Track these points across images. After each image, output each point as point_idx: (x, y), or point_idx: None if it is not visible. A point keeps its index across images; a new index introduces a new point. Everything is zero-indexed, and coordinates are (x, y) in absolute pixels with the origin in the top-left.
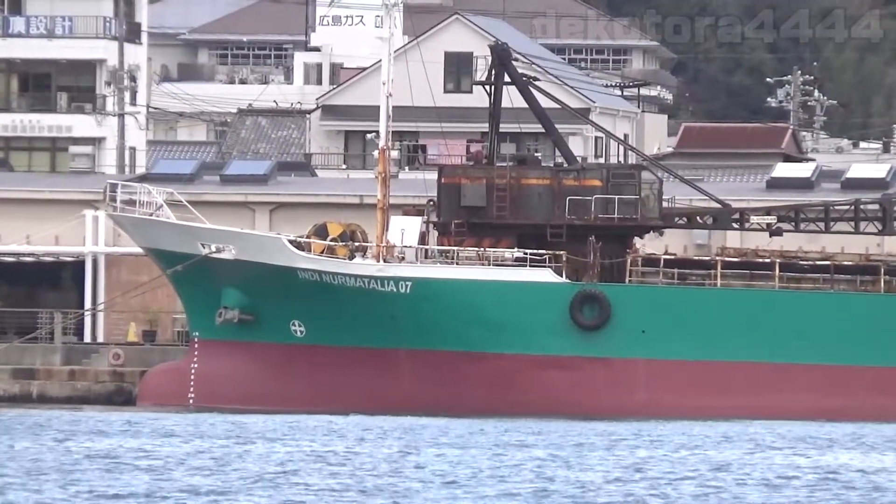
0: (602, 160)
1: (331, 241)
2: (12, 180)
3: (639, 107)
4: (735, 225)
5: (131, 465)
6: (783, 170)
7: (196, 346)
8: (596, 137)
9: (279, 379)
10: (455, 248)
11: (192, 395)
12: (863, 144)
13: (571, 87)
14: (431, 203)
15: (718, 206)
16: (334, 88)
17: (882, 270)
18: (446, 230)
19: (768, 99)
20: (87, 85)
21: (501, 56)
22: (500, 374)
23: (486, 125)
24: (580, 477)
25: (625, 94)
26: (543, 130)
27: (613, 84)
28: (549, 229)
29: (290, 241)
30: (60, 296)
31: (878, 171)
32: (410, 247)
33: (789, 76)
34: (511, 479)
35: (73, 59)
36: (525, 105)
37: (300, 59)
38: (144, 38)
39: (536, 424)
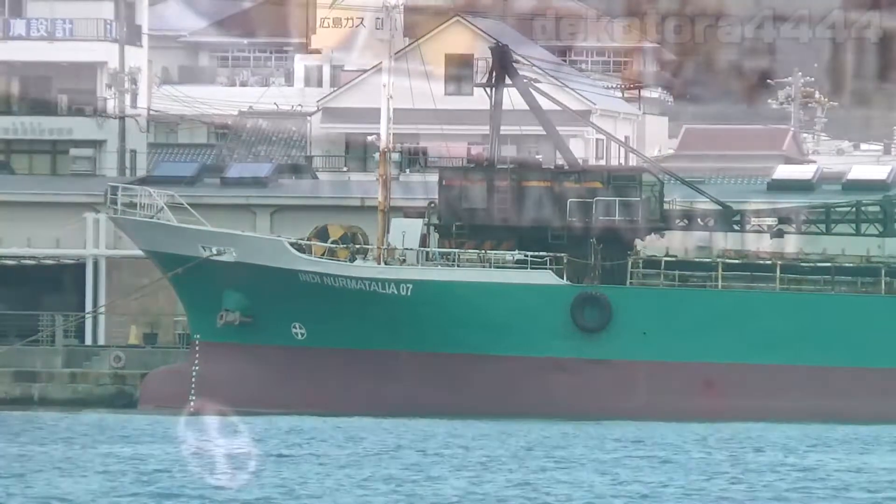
0: (603, 162)
1: (332, 243)
2: (13, 183)
3: (639, 109)
4: (736, 227)
5: None
6: (784, 172)
7: (197, 348)
8: (597, 139)
9: (280, 381)
10: (456, 250)
11: (193, 398)
12: (864, 146)
13: (572, 89)
14: (432, 205)
15: (719, 207)
16: (335, 91)
17: (883, 272)
18: (447, 232)
19: (769, 101)
20: (88, 87)
21: (502, 58)
22: (501, 376)
23: (487, 127)
24: None
25: (625, 95)
26: (544, 132)
27: (614, 86)
28: (550, 231)
29: (291, 244)
30: (61, 298)
31: (879, 172)
32: (411, 249)
33: (790, 78)
34: None
35: (73, 62)
36: (526, 107)
37: (301, 61)
38: (145, 40)
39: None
